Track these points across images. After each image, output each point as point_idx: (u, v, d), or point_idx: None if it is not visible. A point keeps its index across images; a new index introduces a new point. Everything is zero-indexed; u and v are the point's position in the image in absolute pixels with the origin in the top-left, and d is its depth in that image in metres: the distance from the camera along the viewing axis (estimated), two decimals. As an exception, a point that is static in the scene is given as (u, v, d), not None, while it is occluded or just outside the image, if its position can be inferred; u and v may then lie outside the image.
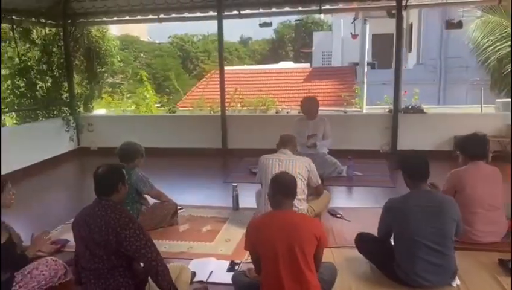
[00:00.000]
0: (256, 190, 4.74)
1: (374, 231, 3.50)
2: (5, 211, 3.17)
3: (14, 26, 7.10)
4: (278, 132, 7.32)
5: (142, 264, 2.67)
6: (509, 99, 7.95)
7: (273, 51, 44.22)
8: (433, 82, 15.24)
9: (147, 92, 9.84)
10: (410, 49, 18.50)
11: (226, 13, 7.39)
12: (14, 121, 7.74)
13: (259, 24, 7.40)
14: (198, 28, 42.91)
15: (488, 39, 9.83)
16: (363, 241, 3.38)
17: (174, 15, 7.75)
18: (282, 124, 7.60)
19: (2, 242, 3.00)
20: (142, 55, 33.21)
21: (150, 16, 7.90)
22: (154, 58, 34.05)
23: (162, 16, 7.77)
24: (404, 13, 7.19)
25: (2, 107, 7.84)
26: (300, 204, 4.06)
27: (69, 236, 4.12)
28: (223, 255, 3.70)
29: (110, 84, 9.09)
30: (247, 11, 7.54)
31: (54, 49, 7.81)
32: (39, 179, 6.61)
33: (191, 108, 10.22)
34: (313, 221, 2.70)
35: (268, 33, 44.31)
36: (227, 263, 3.51)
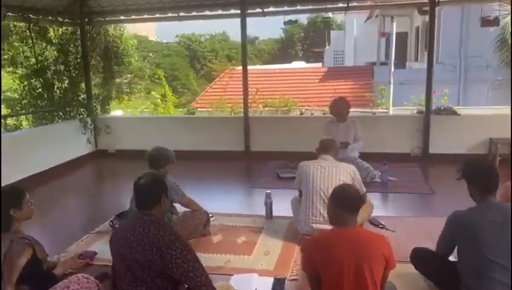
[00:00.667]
0: (292, 197, 4.47)
1: (422, 243, 3.24)
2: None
3: (31, 25, 6.86)
4: (303, 134, 7.17)
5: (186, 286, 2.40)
6: None
7: (282, 51, 43.91)
8: (453, 82, 14.83)
9: (165, 92, 9.59)
10: (426, 48, 18.09)
11: (249, 11, 7.11)
12: (30, 123, 7.50)
13: (284, 22, 7.12)
14: (206, 27, 42.75)
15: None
16: (420, 259, 3.08)
17: (194, 13, 7.48)
18: (307, 126, 7.36)
19: (24, 258, 2.74)
20: (151, 54, 33.04)
21: (170, 14, 7.64)
22: (163, 58, 33.94)
23: (182, 14, 7.50)
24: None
25: (18, 109, 7.63)
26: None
27: (96, 247, 3.90)
28: (264, 270, 3.42)
29: (128, 85, 8.83)
30: (271, 9, 7.27)
31: (71, 49, 7.58)
32: (57, 184, 6.33)
33: (210, 109, 9.95)
34: (382, 239, 2.41)
35: (277, 32, 44.08)
36: (270, 280, 3.23)
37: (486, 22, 6.61)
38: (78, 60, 7.63)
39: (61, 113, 7.42)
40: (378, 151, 6.52)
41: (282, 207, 4.54)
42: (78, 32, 7.61)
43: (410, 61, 21.87)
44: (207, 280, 2.35)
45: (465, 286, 2.71)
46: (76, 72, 7.62)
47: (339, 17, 36.22)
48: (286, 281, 3.22)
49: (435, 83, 14.79)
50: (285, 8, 7.20)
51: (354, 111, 7.44)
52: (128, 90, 8.56)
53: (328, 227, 3.71)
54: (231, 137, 7.41)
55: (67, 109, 7.44)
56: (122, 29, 8.25)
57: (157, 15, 7.67)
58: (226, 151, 7.33)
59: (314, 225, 3.75)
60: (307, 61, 30.02)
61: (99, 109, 7.98)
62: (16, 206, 2.81)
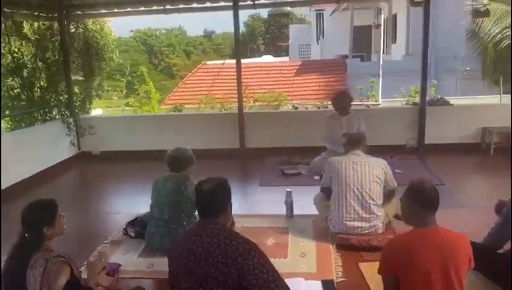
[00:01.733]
0: (315, 195, 4.33)
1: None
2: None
3: (6, 20, 6.32)
4: (299, 129, 7.07)
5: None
6: None
7: (243, 45, 43.67)
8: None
9: (149, 89, 9.15)
10: (394, 40, 18.47)
11: (241, 3, 6.88)
12: (8, 126, 6.92)
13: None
14: (162, 22, 42.05)
15: (496, 27, 9.76)
16: (481, 258, 2.93)
17: (181, 5, 7.16)
18: (303, 121, 7.25)
19: (64, 279, 2.44)
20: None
21: (155, 7, 7.27)
22: (122, 54, 32.90)
23: (168, 6, 7.15)
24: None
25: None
26: (379, 211, 3.67)
27: (116, 258, 3.60)
28: (307, 273, 3.26)
29: (109, 82, 8.35)
30: (262, 1, 7.07)
31: (49, 45, 7.05)
32: (42, 192, 5.66)
33: (196, 105, 9.61)
34: (464, 239, 2.30)
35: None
36: (317, 283, 3.08)
37: (477, 13, 6.73)
38: (57, 56, 7.12)
39: (41, 115, 6.89)
40: (372, 144, 6.48)
41: (297, 205, 4.42)
42: (56, 27, 7.10)
43: (375, 53, 22.30)
44: (288, 288, 2.16)
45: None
46: (55, 69, 7.10)
47: (299, 11, 36.47)
48: (335, 283, 3.08)
49: (405, 74, 15.08)
50: (277, 0, 7.02)
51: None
52: (110, 88, 8.07)
53: (362, 224, 3.63)
54: (225, 134, 7.18)
55: (47, 110, 6.93)
56: (102, 23, 7.77)
57: (142, 8, 7.28)
58: (220, 149, 7.09)
59: (348, 223, 3.63)
60: (273, 55, 29.95)
61: (79, 108, 7.50)
62: (49, 223, 2.49)
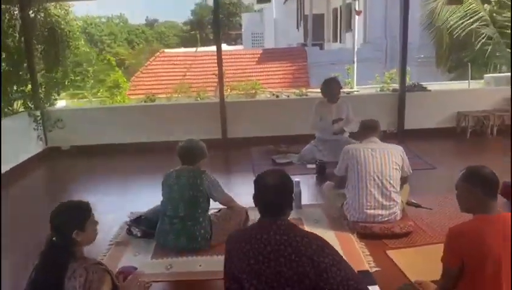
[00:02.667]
0: (325, 184, 4.28)
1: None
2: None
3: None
4: (282, 117, 6.96)
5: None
6: (501, 74, 8.23)
7: (191, 33, 42.83)
8: (380, 60, 15.60)
9: (117, 78, 8.60)
10: (350, 28, 18.79)
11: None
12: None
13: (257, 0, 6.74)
14: (102, 10, 40.32)
15: (453, 16, 10.17)
16: None
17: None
18: (285, 109, 7.16)
19: (107, 288, 2.19)
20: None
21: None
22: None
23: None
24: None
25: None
26: (398, 198, 3.66)
27: (126, 261, 3.32)
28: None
29: (76, 71, 7.78)
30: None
31: (8, 31, 6.43)
32: (11, 194, 5.19)
33: (168, 95, 9.17)
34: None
35: (179, 14, 42.95)
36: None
37: (451, 1, 6.90)
38: (17, 43, 6.51)
39: (3, 108, 6.29)
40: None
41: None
42: (16, 13, 6.47)
43: (328, 41, 22.65)
44: (365, 285, 2.04)
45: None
46: (16, 57, 6.49)
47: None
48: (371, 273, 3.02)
49: (363, 61, 15.39)
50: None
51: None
52: (77, 77, 7.53)
53: (382, 212, 3.59)
54: (205, 124, 6.92)
55: (11, 102, 6.33)
56: (67, 7, 7.18)
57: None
58: (202, 140, 6.81)
59: (368, 211, 3.59)
60: (226, 43, 29.53)
61: (45, 100, 6.93)
62: (79, 227, 2.20)
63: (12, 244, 3.81)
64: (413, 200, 4.23)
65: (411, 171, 3.79)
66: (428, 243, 3.45)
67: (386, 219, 3.59)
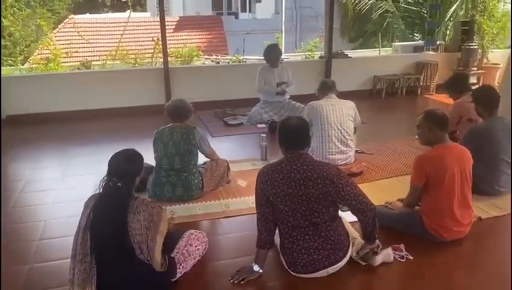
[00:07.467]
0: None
1: (401, 158, 4.40)
2: None
3: None
4: (225, 83, 7.41)
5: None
6: (406, 43, 9.47)
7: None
8: (290, 30, 16.51)
9: (50, 45, 8.08)
10: (259, -1, 19.42)
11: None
12: None
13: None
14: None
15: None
16: None
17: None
18: (226, 74, 7.58)
19: (166, 223, 2.58)
20: None
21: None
22: None
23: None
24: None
25: None
26: (352, 144, 4.42)
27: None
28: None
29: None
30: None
31: None
32: None
33: (103, 62, 8.90)
34: (466, 149, 3.12)
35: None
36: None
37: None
38: None
39: None
40: (291, 94, 7.25)
41: (251, 151, 5.07)
42: None
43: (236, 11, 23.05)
44: (369, 199, 2.69)
45: (482, 180, 3.51)
46: None
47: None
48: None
49: (274, 32, 16.09)
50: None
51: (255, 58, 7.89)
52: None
53: (341, 156, 4.33)
54: (149, 90, 7.11)
55: None
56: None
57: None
58: (146, 106, 7.03)
59: (331, 156, 4.30)
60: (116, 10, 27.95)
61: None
62: (140, 173, 2.59)
63: None
64: (356, 148, 5.07)
65: (361, 121, 4.57)
66: (378, 179, 4.28)
67: (344, 161, 4.34)
